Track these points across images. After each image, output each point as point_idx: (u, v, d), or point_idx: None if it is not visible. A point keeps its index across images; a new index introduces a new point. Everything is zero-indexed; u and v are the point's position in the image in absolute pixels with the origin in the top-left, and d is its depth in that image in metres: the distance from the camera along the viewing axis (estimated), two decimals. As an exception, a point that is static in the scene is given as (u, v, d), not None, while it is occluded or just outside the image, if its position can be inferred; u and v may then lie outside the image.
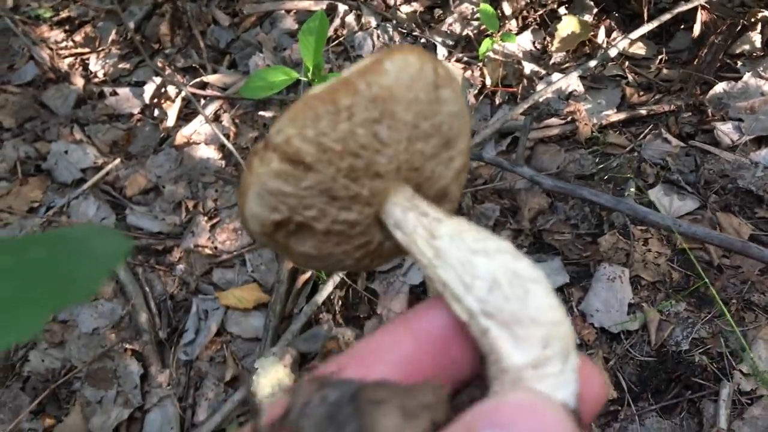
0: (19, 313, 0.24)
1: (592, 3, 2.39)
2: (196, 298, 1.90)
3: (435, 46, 2.39)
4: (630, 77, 2.21)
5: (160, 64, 2.58)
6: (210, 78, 2.50)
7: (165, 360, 1.81)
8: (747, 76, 2.05)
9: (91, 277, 0.28)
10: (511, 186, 1.99)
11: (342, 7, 2.61)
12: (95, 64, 2.71)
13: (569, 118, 2.09)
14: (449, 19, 2.48)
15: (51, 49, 2.75)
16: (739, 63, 2.13)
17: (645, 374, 1.59)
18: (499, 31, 2.18)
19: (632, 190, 1.82)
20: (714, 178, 1.88)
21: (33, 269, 0.28)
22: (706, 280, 1.49)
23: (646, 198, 1.83)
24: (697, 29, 2.18)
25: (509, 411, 0.28)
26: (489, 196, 2.00)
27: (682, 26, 2.30)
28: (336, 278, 1.81)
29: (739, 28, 2.09)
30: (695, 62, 2.14)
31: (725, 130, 1.96)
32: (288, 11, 2.70)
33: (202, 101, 2.42)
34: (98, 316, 1.89)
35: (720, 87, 2.05)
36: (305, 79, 1.84)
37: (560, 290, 1.76)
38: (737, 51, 2.16)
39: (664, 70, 2.22)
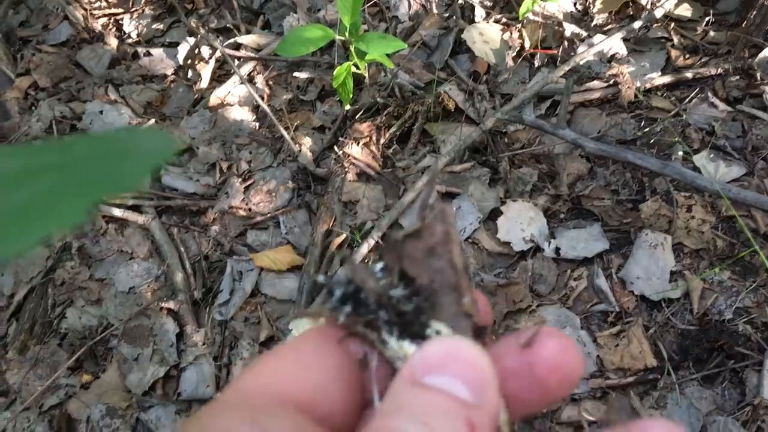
0: (64, 203, 0.25)
1: (636, -38, 2.31)
2: (231, 260, 1.90)
3: (473, 8, 2.33)
4: (675, 39, 2.14)
5: (194, 25, 2.56)
6: (244, 39, 2.47)
7: (200, 319, 1.82)
8: (799, 39, 1.97)
9: (136, 171, 0.28)
10: (549, 150, 1.95)
11: (377, -33, 2.55)
12: (129, 25, 2.69)
13: (611, 82, 2.03)
14: (488, -21, 2.41)
15: (85, 9, 2.74)
16: (791, 25, 2.04)
17: (686, 343, 1.55)
18: (539, -8, 2.12)
19: (680, 153, 1.77)
20: (762, 143, 1.82)
21: (78, 164, 0.28)
22: (756, 247, 1.44)
23: (692, 163, 1.78)
24: (746, -10, 2.10)
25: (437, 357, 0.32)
26: (527, 160, 1.96)
27: (731, -13, 2.21)
28: (370, 241, 1.79)
29: (792, -12, 2.00)
30: (743, 24, 2.06)
31: (775, 94, 1.89)
32: (322, -29, 2.66)
33: (236, 62, 2.39)
34: (134, 275, 1.90)
35: (770, 50, 1.98)
36: (342, 38, 1.81)
37: (599, 257, 1.73)
38: (789, 12, 2.07)
39: (711, 33, 2.14)
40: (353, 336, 0.36)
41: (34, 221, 0.24)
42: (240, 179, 2.07)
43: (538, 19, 2.21)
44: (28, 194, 0.25)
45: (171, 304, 1.82)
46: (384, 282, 0.36)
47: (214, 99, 2.32)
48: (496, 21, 2.29)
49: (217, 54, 2.43)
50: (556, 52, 2.19)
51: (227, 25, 2.56)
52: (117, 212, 1.99)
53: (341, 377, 0.36)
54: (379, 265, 0.37)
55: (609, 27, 2.23)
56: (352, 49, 1.83)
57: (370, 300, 0.36)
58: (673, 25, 2.17)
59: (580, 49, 2.13)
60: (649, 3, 2.23)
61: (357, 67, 1.89)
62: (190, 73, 2.46)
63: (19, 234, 0.23)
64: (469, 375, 0.31)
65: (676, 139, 1.82)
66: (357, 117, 2.11)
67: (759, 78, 1.95)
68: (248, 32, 2.53)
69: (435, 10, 2.40)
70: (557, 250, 1.75)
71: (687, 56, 2.10)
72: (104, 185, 0.26)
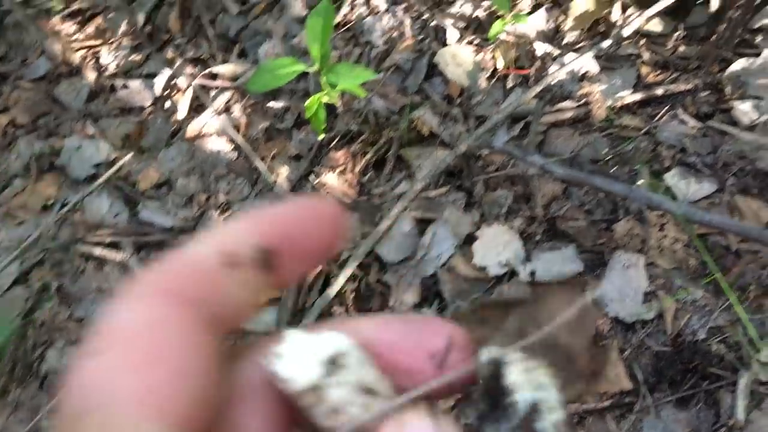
0: None
1: (606, -21, 2.32)
2: (210, 293, 1.91)
3: (445, 30, 2.35)
4: (646, 55, 2.15)
5: (171, 55, 2.57)
6: (220, 68, 2.48)
7: (180, 356, 1.82)
8: (766, 53, 1.98)
9: None
10: (523, 172, 1.96)
11: (351, -9, 2.57)
12: (107, 57, 2.70)
13: (583, 101, 2.04)
14: (460, 1, 2.43)
15: (63, 42, 2.75)
16: (759, 38, 2.06)
17: (661, 365, 1.56)
18: (510, 12, 2.13)
19: (643, 180, 1.78)
20: (732, 159, 1.83)
21: None
22: (717, 275, 1.45)
23: (662, 183, 1.79)
24: (715, 3, 2.11)
25: None
26: (501, 182, 1.97)
27: (700, 0, 2.22)
28: (348, 271, 1.80)
29: (758, 1, 2.02)
30: (713, 38, 2.08)
31: (744, 109, 1.90)
32: (297, -3, 2.67)
33: (213, 92, 2.41)
34: (114, 313, 1.91)
35: (738, 64, 1.99)
36: (312, 69, 1.82)
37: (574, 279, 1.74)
38: (756, 26, 2.08)
39: (681, 47, 2.15)
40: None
41: None
42: (218, 211, 2.08)
43: (511, 39, 2.22)
44: None
45: (151, 342, 1.82)
46: None
47: (191, 130, 2.33)
48: (469, 42, 2.30)
49: (195, 83, 2.44)
50: (529, 71, 2.20)
51: (203, 56, 2.57)
52: (96, 251, 1.99)
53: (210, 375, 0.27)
54: None
55: (581, 44, 2.24)
56: (322, 80, 1.84)
57: None
58: (643, 40, 2.18)
59: (552, 68, 2.15)
60: (620, 19, 2.24)
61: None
62: (167, 105, 2.47)
63: None
64: None
65: (638, 166, 1.83)
66: (332, 145, 2.12)
67: (728, 93, 1.96)
68: (225, 61, 2.54)
69: (409, 33, 2.41)
70: (532, 273, 1.76)
71: (658, 72, 2.11)
72: None
